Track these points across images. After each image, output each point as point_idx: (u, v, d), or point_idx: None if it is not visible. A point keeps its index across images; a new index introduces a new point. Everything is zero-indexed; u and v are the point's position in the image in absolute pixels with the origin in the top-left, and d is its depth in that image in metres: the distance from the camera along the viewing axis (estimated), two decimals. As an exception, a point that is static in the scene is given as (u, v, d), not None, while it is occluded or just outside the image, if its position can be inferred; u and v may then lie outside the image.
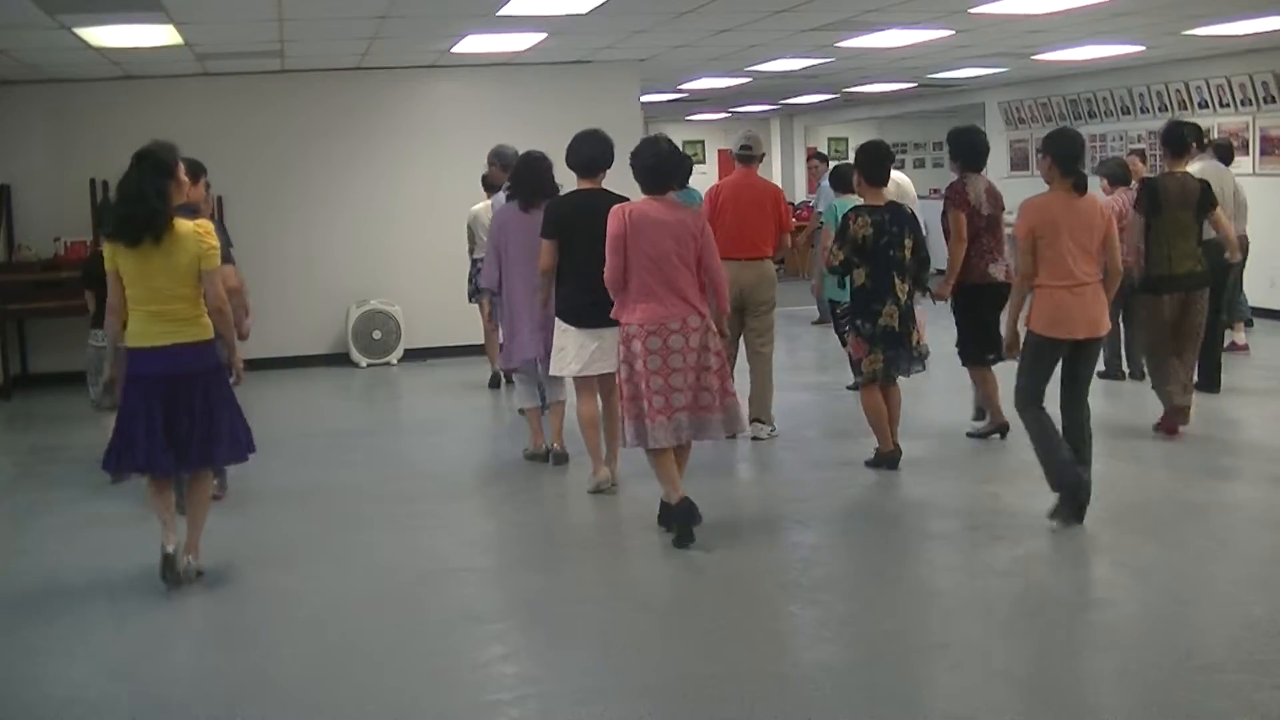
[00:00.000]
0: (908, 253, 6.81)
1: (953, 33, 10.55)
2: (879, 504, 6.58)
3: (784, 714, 4.01)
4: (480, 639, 4.82)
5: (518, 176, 7.30)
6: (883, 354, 6.80)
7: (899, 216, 6.82)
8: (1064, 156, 5.83)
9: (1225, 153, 9.94)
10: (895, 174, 12.40)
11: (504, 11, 8.56)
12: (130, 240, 5.11)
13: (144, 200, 5.09)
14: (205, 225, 5.27)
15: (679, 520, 5.72)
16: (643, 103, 13.01)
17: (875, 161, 6.95)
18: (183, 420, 5.20)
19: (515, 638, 4.86)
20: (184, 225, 5.18)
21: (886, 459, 6.98)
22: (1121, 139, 14.32)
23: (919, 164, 22.20)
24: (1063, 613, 4.88)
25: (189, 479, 5.55)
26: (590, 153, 6.57)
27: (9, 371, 10.93)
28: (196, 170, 6.49)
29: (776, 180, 24.59)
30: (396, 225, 11.85)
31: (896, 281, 6.78)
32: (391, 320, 11.79)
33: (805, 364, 11.03)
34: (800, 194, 23.03)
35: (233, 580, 5.54)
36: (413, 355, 11.84)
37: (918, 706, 4.08)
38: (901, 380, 7.04)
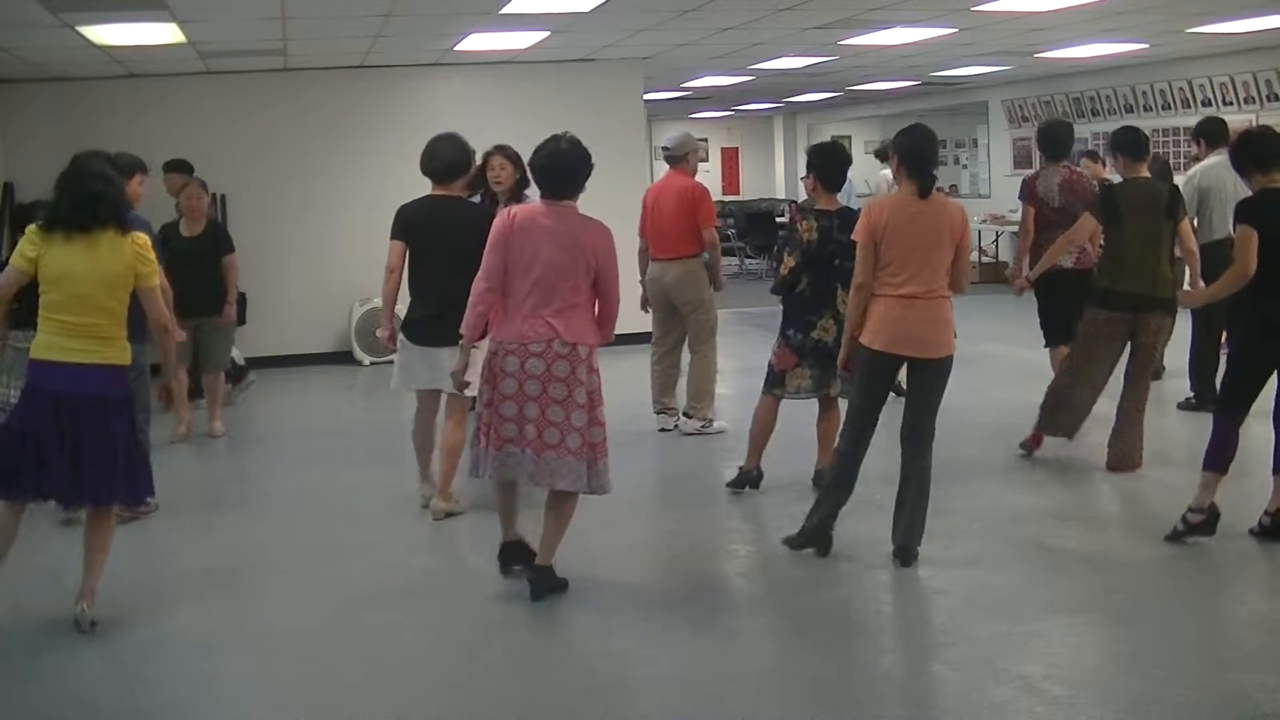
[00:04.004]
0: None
1: (955, 31, 10.55)
2: (881, 503, 6.57)
3: (787, 713, 4.01)
4: (483, 636, 4.82)
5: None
6: (809, 370, 6.31)
7: (848, 225, 5.98)
8: (910, 159, 5.26)
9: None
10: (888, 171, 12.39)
11: (507, 10, 8.56)
12: (82, 226, 4.68)
13: (102, 190, 4.74)
14: (142, 239, 4.87)
15: (505, 557, 5.32)
16: (645, 101, 13.00)
17: (832, 164, 6.46)
18: (82, 448, 4.65)
19: (518, 635, 4.86)
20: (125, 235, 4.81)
21: (747, 476, 6.61)
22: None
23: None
24: (1066, 612, 4.88)
25: (88, 517, 4.92)
26: (450, 158, 6.26)
27: (12, 370, 10.91)
28: (134, 168, 6.22)
29: (780, 180, 24.61)
30: (399, 223, 11.84)
31: (839, 294, 6.15)
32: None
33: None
34: (805, 194, 22.94)
35: (235, 580, 5.55)
36: (415, 353, 11.83)
37: (920, 706, 4.08)
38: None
